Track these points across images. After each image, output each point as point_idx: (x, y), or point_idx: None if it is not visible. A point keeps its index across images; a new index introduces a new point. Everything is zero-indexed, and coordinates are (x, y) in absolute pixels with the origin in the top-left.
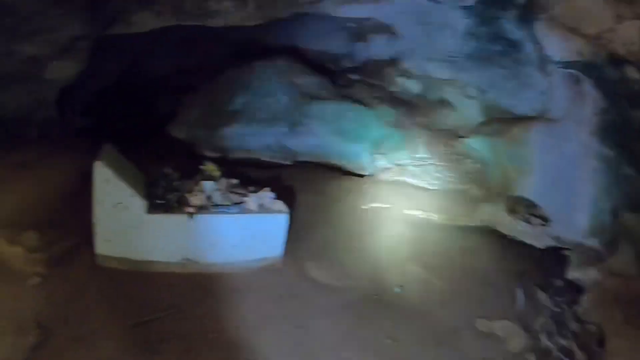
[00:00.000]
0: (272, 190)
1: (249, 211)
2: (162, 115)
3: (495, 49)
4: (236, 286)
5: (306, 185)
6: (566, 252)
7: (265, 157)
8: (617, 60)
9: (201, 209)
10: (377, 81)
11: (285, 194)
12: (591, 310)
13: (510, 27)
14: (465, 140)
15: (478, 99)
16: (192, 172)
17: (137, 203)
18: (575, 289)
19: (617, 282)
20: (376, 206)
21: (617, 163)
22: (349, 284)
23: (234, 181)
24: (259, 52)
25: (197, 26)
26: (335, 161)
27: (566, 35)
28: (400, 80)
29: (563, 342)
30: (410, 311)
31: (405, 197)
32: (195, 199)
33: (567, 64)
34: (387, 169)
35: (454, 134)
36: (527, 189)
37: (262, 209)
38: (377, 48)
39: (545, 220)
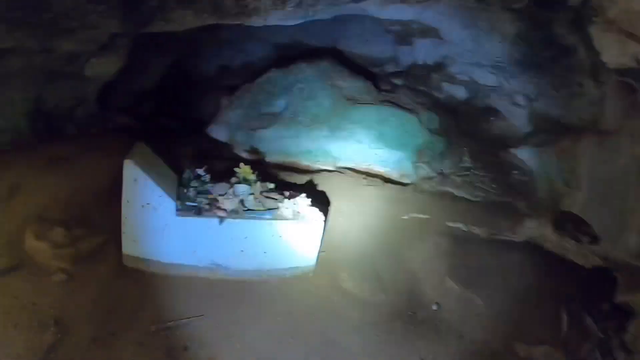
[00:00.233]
0: (309, 196)
1: (283, 217)
2: (204, 116)
3: (546, 54)
4: (265, 295)
5: (344, 191)
6: (615, 273)
7: (306, 161)
8: None
9: (233, 213)
10: (422, 86)
11: (322, 201)
12: None
13: (562, 32)
14: (512, 150)
15: (526, 108)
16: (226, 174)
17: (166, 204)
18: (624, 314)
19: None
20: (416, 216)
21: None
22: (383, 298)
23: (270, 185)
24: (301, 54)
25: (240, 27)
26: (376, 168)
27: (622, 41)
28: (445, 86)
29: None
30: (446, 331)
31: (446, 208)
32: (227, 203)
33: (622, 72)
34: (429, 177)
35: (500, 144)
36: (576, 204)
37: (297, 215)
38: (422, 52)
39: (593, 238)
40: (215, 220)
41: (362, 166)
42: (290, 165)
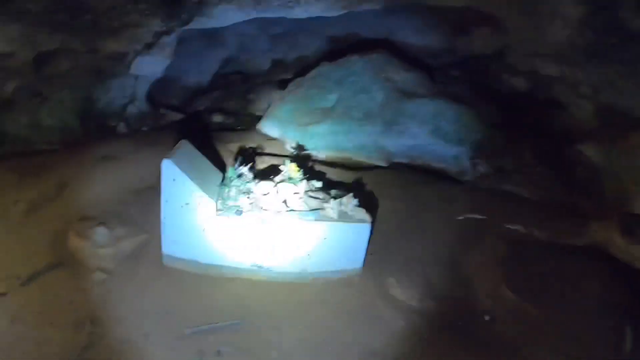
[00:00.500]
0: (358, 195)
1: (328, 218)
2: (257, 112)
3: (612, 41)
4: (308, 299)
5: (397, 189)
6: None
7: (360, 157)
8: None
9: (275, 213)
10: (480, 78)
11: (373, 199)
12: None
13: (629, 15)
14: (577, 146)
15: (592, 100)
16: (272, 172)
17: (206, 204)
18: None
19: None
20: (472, 217)
21: None
22: (432, 306)
23: (316, 184)
24: (354, 46)
25: (293, 21)
26: (431, 164)
27: None
28: (505, 77)
29: None
30: (498, 345)
31: (505, 208)
32: (270, 203)
33: None
34: (488, 175)
35: (563, 139)
36: None
37: (343, 216)
38: (480, 41)
39: None
40: (257, 221)
41: (417, 162)
42: (342, 162)
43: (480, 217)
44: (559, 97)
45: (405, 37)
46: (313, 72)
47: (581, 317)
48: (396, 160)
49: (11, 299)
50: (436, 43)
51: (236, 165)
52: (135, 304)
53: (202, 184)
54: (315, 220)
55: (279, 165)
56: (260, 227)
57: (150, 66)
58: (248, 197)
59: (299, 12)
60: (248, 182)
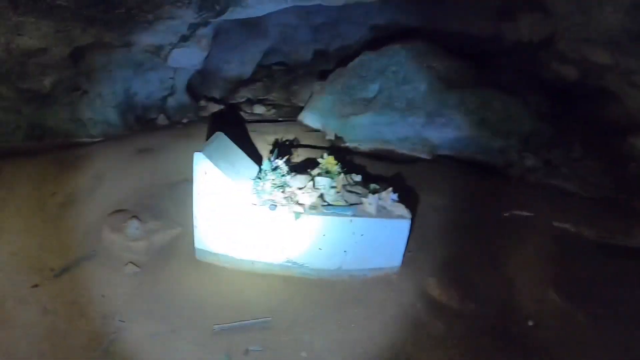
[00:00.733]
0: (399, 189)
1: (366, 214)
2: (300, 102)
3: None
4: (342, 298)
5: (440, 183)
6: None
7: (403, 150)
8: None
9: (311, 208)
10: (527, 66)
11: (414, 194)
12: None
13: None
14: (630, 139)
15: None
16: (309, 164)
17: (239, 198)
18: None
19: None
20: (518, 214)
21: None
22: (473, 308)
23: (355, 178)
24: (396, 35)
25: (335, 9)
26: (476, 157)
27: None
28: (553, 66)
29: None
30: (541, 352)
31: (553, 204)
32: (305, 197)
33: None
34: (536, 169)
35: (616, 131)
36: None
37: (382, 212)
38: (528, 28)
39: None
40: (291, 216)
41: (461, 155)
42: (384, 154)
43: (526, 213)
44: (611, 86)
45: (449, 24)
46: (354, 62)
47: (631, 324)
48: (440, 152)
49: (44, 290)
50: (481, 30)
51: (272, 158)
52: (165, 298)
53: (236, 177)
54: (353, 215)
55: (317, 158)
56: (294, 222)
57: (187, 58)
58: (283, 191)
59: (336, 0)
60: (283, 175)
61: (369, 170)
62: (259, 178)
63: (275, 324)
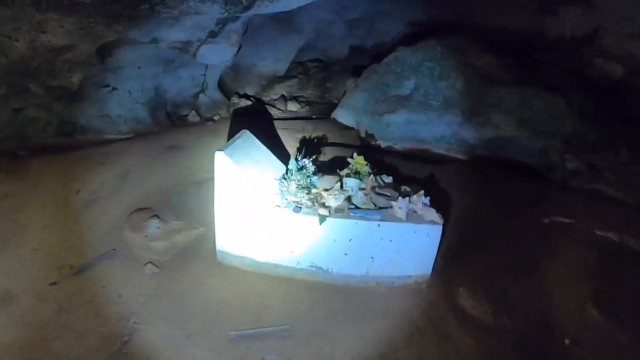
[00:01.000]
0: (432, 192)
1: (395, 219)
2: (335, 99)
3: None
4: (368, 307)
5: (477, 186)
6: None
7: (439, 150)
8: None
9: (337, 211)
10: (571, 63)
11: (448, 197)
12: None
13: None
14: None
15: None
16: (337, 164)
17: (262, 199)
18: None
19: None
20: (559, 220)
21: None
22: (506, 323)
23: (385, 179)
24: (433, 30)
25: (370, 4)
26: (515, 158)
27: None
28: (598, 62)
29: None
30: None
31: (596, 211)
32: (332, 199)
33: None
34: (578, 173)
35: None
36: None
37: (412, 217)
38: (571, 22)
39: None
40: (316, 219)
41: (500, 156)
42: (419, 154)
43: (567, 220)
44: None
45: (488, 19)
46: (388, 58)
47: None
48: (477, 152)
49: (61, 288)
50: (521, 25)
51: (299, 157)
52: (183, 300)
53: (259, 178)
54: (381, 220)
55: (347, 158)
56: (319, 225)
57: (217, 54)
58: (308, 193)
59: None
60: (309, 175)
61: (401, 171)
62: (285, 178)
63: (295, 332)
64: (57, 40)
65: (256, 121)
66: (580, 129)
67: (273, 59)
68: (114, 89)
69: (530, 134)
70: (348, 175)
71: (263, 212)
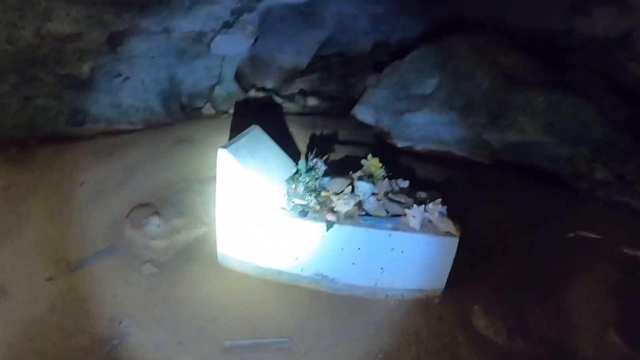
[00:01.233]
0: (451, 198)
1: (408, 228)
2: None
3: None
4: (375, 320)
5: (498, 193)
6: None
7: (461, 152)
8: None
9: (346, 217)
10: (602, 66)
11: (467, 205)
12: None
13: None
14: None
15: None
16: (350, 166)
17: (266, 201)
18: None
19: None
20: (584, 235)
21: None
22: (521, 346)
23: (402, 184)
24: (459, 27)
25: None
26: (541, 165)
27: None
28: (631, 66)
29: None
30: None
31: (624, 226)
32: (341, 204)
33: None
34: (606, 183)
35: None
36: None
37: (427, 227)
38: (603, 23)
39: None
40: (323, 225)
41: (524, 162)
42: (439, 156)
43: (593, 236)
44: None
45: (516, 16)
46: (411, 55)
47: None
48: (501, 157)
49: (57, 284)
50: (551, 24)
51: (310, 157)
52: (179, 304)
53: (265, 178)
54: (393, 229)
55: (361, 159)
56: (326, 231)
57: (232, 46)
58: (317, 196)
59: None
60: (317, 178)
61: (419, 174)
62: (292, 179)
63: (294, 345)
64: (64, 29)
65: (272, 116)
66: (610, 136)
67: (294, 52)
68: (127, 78)
69: (557, 140)
70: (360, 179)
71: (266, 215)
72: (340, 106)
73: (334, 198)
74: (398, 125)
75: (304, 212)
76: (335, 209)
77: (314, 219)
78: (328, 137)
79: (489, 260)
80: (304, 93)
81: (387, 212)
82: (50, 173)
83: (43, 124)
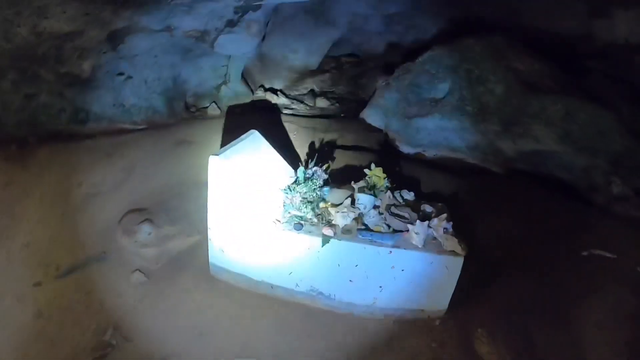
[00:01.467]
0: (457, 211)
1: (410, 246)
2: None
3: None
4: (371, 341)
5: (510, 205)
6: None
7: (472, 160)
8: None
9: (344, 232)
10: (622, 73)
11: (475, 215)
12: None
13: None
14: None
15: None
16: (352, 175)
17: (259, 212)
18: None
19: None
20: (599, 254)
21: None
22: None
23: (407, 195)
24: (473, 28)
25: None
26: (555, 175)
27: None
28: None
29: None
30: None
31: None
32: (340, 217)
33: None
34: (624, 198)
35: None
36: None
37: (430, 245)
38: (625, 27)
39: None
40: (318, 239)
41: (538, 171)
42: (450, 163)
43: (608, 255)
44: None
45: (534, 19)
46: (423, 57)
47: None
48: (514, 166)
49: (43, 290)
50: (569, 27)
51: (311, 165)
52: (167, 316)
53: (261, 187)
54: (393, 246)
55: (366, 166)
56: (322, 246)
57: (236, 45)
58: (314, 208)
59: None
60: (315, 189)
61: (427, 183)
62: (289, 189)
63: None
64: (61, 26)
65: (278, 117)
66: (630, 148)
67: (305, 52)
68: (129, 77)
69: (573, 150)
70: (362, 190)
71: (261, 227)
72: (350, 108)
73: (332, 210)
74: (407, 130)
75: (299, 225)
76: (333, 222)
77: (310, 232)
78: (333, 141)
79: (496, 279)
80: (313, 94)
81: (389, 227)
82: (48, 173)
83: (45, 121)
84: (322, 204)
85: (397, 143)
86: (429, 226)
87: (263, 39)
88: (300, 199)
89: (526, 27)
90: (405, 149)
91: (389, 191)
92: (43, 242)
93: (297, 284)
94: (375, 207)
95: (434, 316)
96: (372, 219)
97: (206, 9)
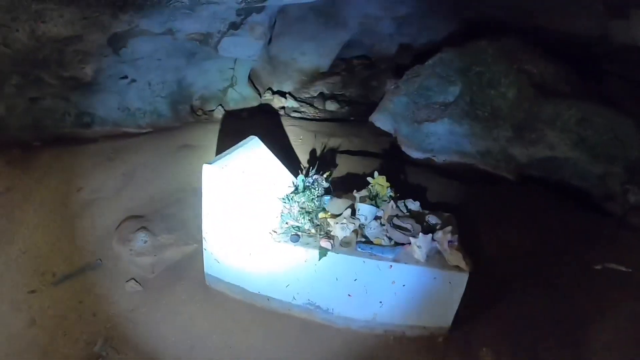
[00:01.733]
0: (465, 220)
1: (411, 260)
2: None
3: None
4: (371, 358)
5: (521, 214)
6: None
7: (484, 166)
8: None
9: (343, 244)
10: None
11: (484, 226)
12: None
13: None
14: None
15: None
16: (354, 184)
17: (255, 222)
18: None
19: None
20: (613, 268)
21: None
22: None
23: (411, 205)
24: (486, 30)
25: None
26: (570, 182)
27: None
28: None
29: None
30: None
31: None
32: (339, 229)
33: None
34: None
35: None
36: None
37: (433, 259)
38: None
39: None
40: (315, 252)
41: (552, 178)
42: (461, 169)
43: (623, 269)
44: None
45: (548, 20)
46: (433, 59)
47: None
48: (527, 172)
49: (37, 298)
50: (585, 29)
51: (311, 173)
52: (160, 327)
53: (258, 196)
54: (394, 260)
55: (371, 172)
56: (320, 258)
57: (240, 48)
58: (312, 219)
59: None
60: (314, 198)
61: (435, 190)
62: (287, 198)
63: None
64: (60, 31)
65: (284, 121)
66: None
67: (315, 54)
68: (133, 80)
69: (588, 157)
70: (363, 200)
71: (257, 238)
72: (360, 111)
73: (331, 221)
74: (417, 135)
75: (295, 237)
76: (332, 233)
77: (307, 244)
78: (339, 146)
79: (504, 294)
80: (323, 97)
81: (390, 239)
82: (49, 177)
83: (50, 125)
84: (321, 214)
85: (406, 148)
86: (432, 239)
87: (270, 41)
88: (298, 208)
89: (540, 28)
90: (415, 154)
91: (392, 201)
92: (41, 249)
93: (294, 297)
94: (376, 218)
95: (436, 333)
96: (372, 230)
97: (207, 12)
